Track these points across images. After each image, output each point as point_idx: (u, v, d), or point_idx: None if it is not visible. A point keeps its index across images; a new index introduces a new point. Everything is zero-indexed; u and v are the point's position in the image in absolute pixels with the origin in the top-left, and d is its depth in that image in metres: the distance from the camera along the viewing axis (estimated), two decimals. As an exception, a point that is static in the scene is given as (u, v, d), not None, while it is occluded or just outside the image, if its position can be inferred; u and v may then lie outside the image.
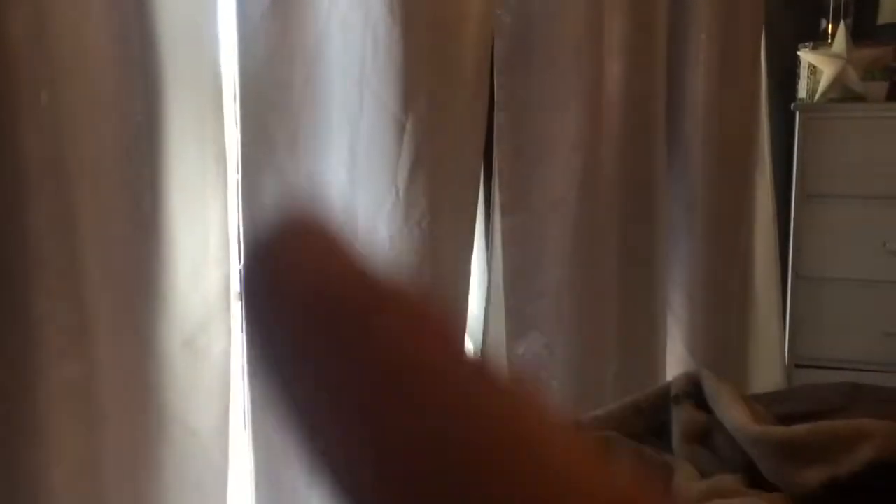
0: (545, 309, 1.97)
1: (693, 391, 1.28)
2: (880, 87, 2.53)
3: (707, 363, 2.31)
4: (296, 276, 0.19)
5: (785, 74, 2.70)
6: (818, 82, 2.60)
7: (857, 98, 2.55)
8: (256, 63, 1.50)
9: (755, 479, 1.14)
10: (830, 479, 1.07)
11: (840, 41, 2.58)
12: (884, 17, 2.70)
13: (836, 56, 2.57)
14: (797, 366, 2.57)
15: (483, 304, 1.94)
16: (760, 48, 2.47)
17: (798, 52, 2.66)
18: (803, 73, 2.67)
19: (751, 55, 2.44)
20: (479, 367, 0.19)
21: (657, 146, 2.17)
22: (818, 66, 2.60)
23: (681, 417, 1.25)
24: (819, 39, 2.66)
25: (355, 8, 1.56)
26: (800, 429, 1.14)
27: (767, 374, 2.55)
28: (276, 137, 1.54)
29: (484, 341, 1.94)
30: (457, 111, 1.72)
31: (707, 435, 1.23)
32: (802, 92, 2.67)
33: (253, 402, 1.53)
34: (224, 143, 1.42)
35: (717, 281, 2.32)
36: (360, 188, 1.61)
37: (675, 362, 2.29)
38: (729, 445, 1.19)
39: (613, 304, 2.12)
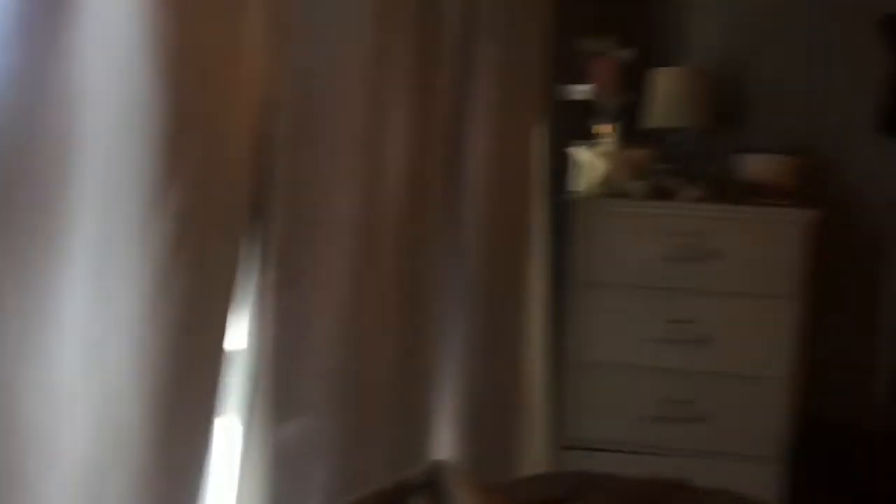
0: (315, 392, 1.93)
1: (432, 481, 1.28)
2: (643, 186, 2.74)
3: (478, 446, 2.35)
4: None
5: (560, 169, 2.87)
6: (589, 178, 2.78)
7: (624, 195, 2.75)
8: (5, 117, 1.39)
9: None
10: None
11: (610, 142, 2.79)
12: (650, 123, 2.94)
13: (606, 155, 2.77)
14: (565, 448, 2.67)
15: (249, 386, 1.87)
16: (537, 141, 2.62)
17: (571, 149, 2.84)
18: (576, 168, 2.85)
19: (528, 147, 2.57)
20: None
21: (435, 233, 2.22)
22: (589, 163, 2.79)
23: (421, 510, 1.24)
24: (592, 139, 2.85)
25: (119, 69, 1.49)
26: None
27: (538, 455, 2.62)
28: (18, 202, 1.42)
29: (248, 424, 1.86)
30: (225, 186, 1.67)
31: (446, 527, 1.23)
32: (575, 186, 2.84)
33: None
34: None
35: (488, 365, 2.38)
36: (112, 266, 1.51)
37: (444, 447, 2.30)
38: (465, 538, 1.20)
39: (388, 387, 2.11)
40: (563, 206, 2.75)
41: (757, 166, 2.76)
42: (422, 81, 2.14)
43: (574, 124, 2.90)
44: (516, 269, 2.51)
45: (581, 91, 2.88)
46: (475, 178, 2.34)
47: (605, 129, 2.83)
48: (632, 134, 2.96)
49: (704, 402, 2.63)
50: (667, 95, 2.89)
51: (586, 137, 2.85)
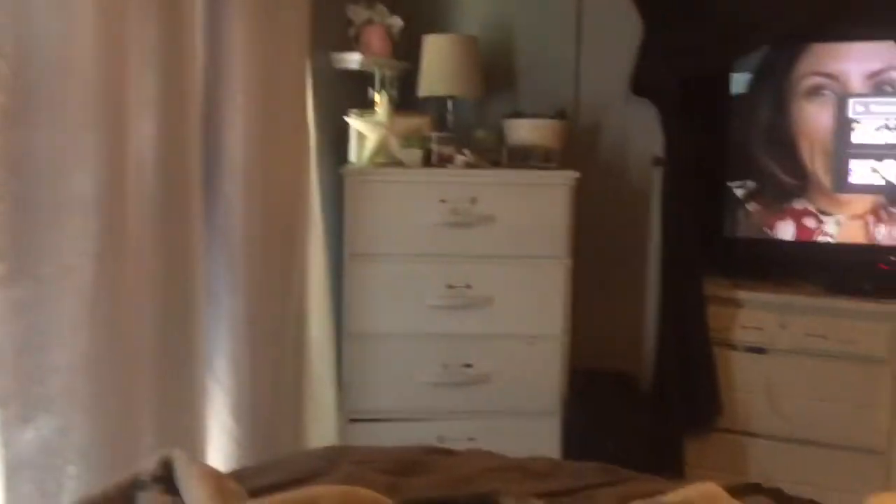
0: (58, 388, 1.78)
1: (164, 474, 1.21)
2: (417, 154, 2.74)
3: (255, 428, 2.29)
4: None
5: (338, 139, 2.82)
6: (365, 147, 2.75)
7: (398, 163, 2.74)
8: None
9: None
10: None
11: (382, 110, 2.76)
12: (423, 91, 2.95)
13: (380, 124, 2.75)
14: (351, 420, 2.65)
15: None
16: (306, 112, 2.55)
17: (348, 119, 2.79)
18: (354, 138, 2.81)
19: (296, 119, 2.49)
20: None
21: (193, 208, 2.11)
22: (364, 132, 2.75)
23: (146, 505, 1.17)
24: (367, 107, 2.82)
25: None
26: (255, 505, 1.12)
27: (324, 430, 2.59)
28: None
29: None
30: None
31: (175, 521, 1.16)
32: (353, 156, 2.80)
33: None
34: None
35: (264, 343, 2.31)
36: None
37: (220, 432, 2.22)
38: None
39: (146, 376, 1.99)
40: (342, 176, 2.70)
41: (525, 131, 2.83)
42: (169, 55, 2.01)
43: (350, 94, 2.85)
44: (290, 244, 2.44)
45: (354, 60, 2.83)
46: (236, 153, 2.24)
47: (379, 97, 2.80)
48: (407, 102, 2.96)
49: (484, 364, 2.69)
50: (438, 63, 2.90)
51: (363, 107, 2.81)
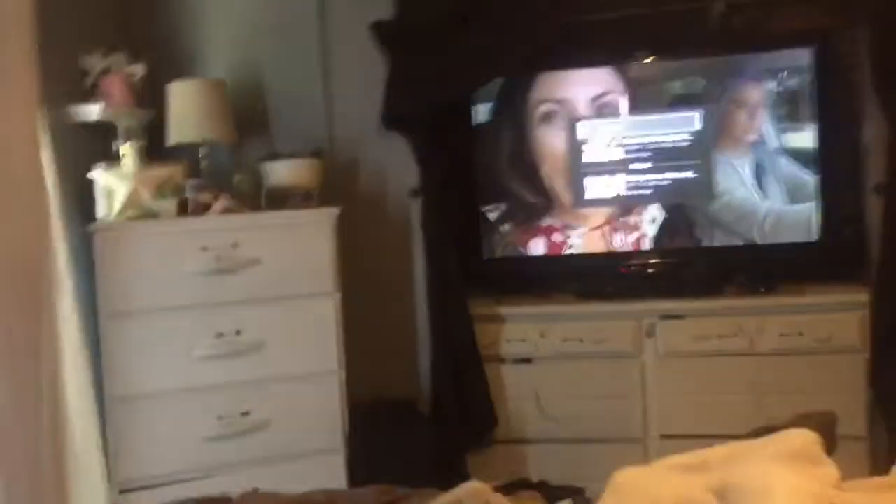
0: None
1: None
2: (171, 204, 2.66)
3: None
4: None
5: (84, 195, 2.67)
6: (114, 202, 2.63)
7: (152, 215, 2.64)
8: None
9: None
10: None
11: (130, 162, 2.66)
12: (172, 139, 2.87)
13: (128, 176, 2.64)
14: (122, 491, 2.50)
15: None
16: (42, 170, 2.39)
17: (94, 174, 2.66)
18: (102, 193, 2.68)
19: (31, 177, 2.33)
20: None
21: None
22: (112, 186, 2.63)
23: None
24: (114, 160, 2.70)
25: None
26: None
27: (94, 504, 2.43)
28: None
29: None
30: None
31: None
32: (101, 212, 2.66)
33: None
34: None
35: (14, 419, 2.13)
36: None
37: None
38: None
39: None
40: (90, 234, 2.56)
41: (282, 172, 2.84)
42: None
43: (94, 147, 2.72)
44: (35, 311, 2.26)
45: (93, 112, 2.71)
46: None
47: (126, 149, 2.70)
48: (158, 151, 2.87)
49: (262, 410, 2.64)
50: (186, 109, 2.85)
51: (109, 160, 2.69)
